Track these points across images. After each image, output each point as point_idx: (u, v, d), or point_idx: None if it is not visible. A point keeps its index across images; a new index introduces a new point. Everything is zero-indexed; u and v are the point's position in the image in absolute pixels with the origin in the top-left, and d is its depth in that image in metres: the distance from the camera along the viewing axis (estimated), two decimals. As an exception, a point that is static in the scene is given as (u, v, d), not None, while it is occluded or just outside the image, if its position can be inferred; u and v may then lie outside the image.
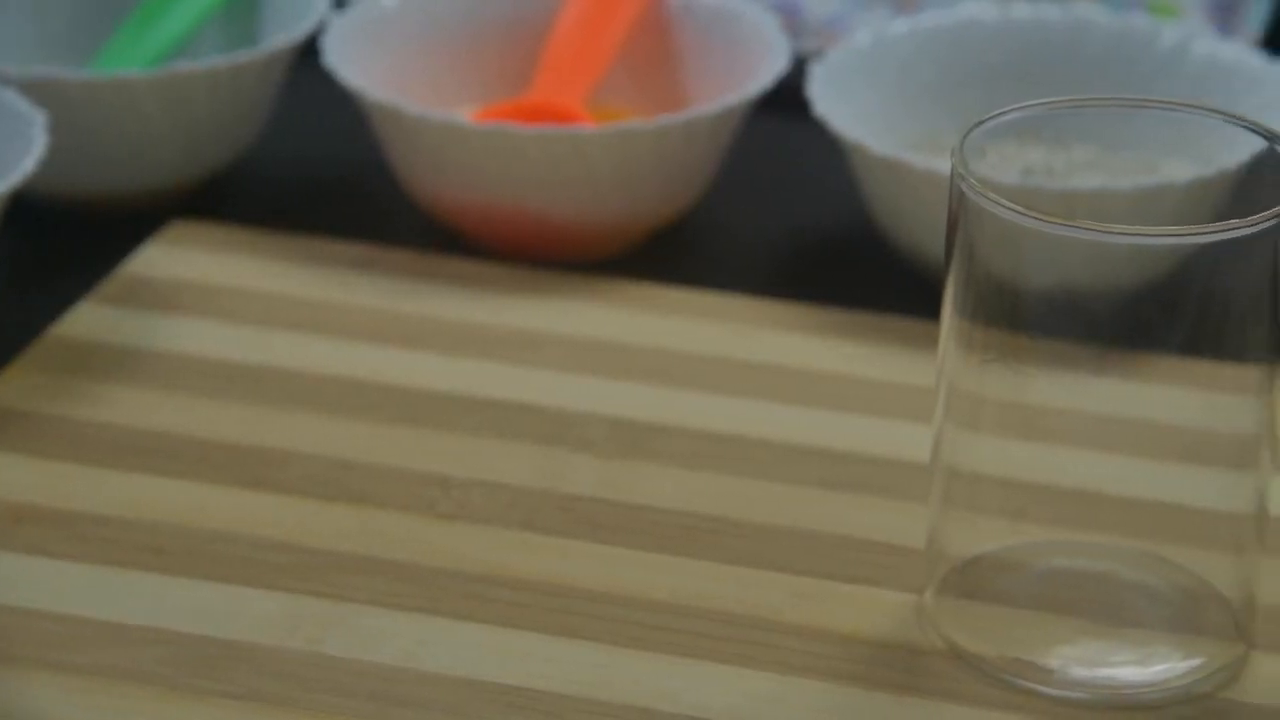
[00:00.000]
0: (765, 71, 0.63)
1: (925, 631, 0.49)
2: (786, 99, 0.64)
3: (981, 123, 0.47)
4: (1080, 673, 0.47)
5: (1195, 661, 0.47)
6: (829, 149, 0.63)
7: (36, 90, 0.61)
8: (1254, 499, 0.47)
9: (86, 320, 0.59)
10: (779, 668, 0.48)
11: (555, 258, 0.62)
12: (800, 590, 0.50)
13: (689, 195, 0.63)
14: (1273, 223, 0.45)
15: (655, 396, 0.56)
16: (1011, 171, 0.59)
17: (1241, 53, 0.63)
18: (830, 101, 0.61)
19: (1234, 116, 0.47)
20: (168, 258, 0.62)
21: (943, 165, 0.47)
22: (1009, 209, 0.45)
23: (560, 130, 0.60)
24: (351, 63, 0.63)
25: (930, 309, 0.47)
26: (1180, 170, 0.53)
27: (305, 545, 0.51)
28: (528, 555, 0.51)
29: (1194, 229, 0.46)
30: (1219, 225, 0.45)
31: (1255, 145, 0.47)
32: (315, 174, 0.67)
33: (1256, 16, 0.72)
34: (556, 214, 0.61)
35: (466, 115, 0.64)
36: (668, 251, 0.63)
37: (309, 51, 0.65)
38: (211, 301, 0.60)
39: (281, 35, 0.65)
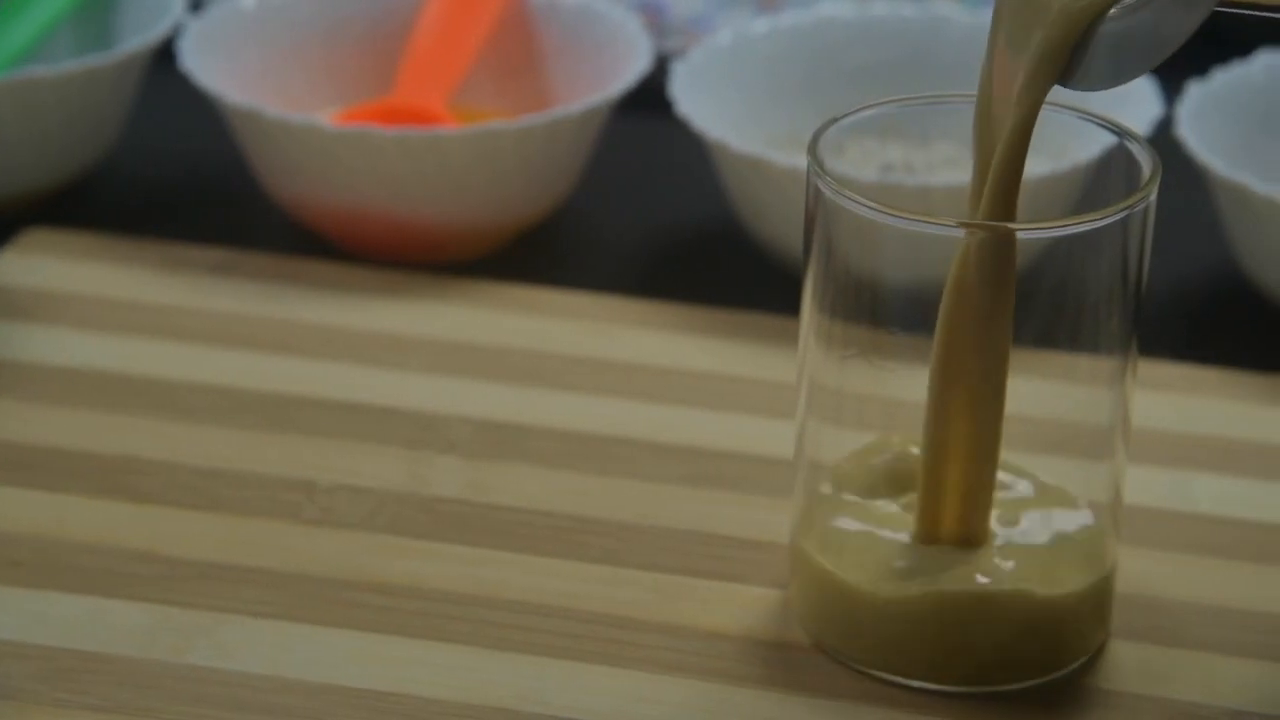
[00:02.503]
0: (628, 71, 0.63)
1: (790, 626, 0.49)
2: (650, 98, 0.64)
3: (836, 120, 0.48)
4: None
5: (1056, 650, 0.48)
6: (693, 148, 0.63)
7: (-114, 97, 0.60)
8: (1109, 488, 0.48)
9: (-59, 330, 0.58)
10: (646, 666, 0.48)
11: (420, 260, 0.62)
12: (665, 588, 0.50)
13: (553, 196, 0.63)
14: (1122, 216, 0.45)
15: (520, 397, 0.56)
16: (871, 168, 0.59)
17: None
18: (693, 100, 0.62)
19: (1086, 113, 0.48)
20: (23, 266, 0.61)
21: (803, 162, 0.47)
22: (864, 205, 0.45)
23: (421, 132, 0.60)
24: (209, 66, 0.62)
25: (795, 305, 0.48)
26: (1034, 166, 0.54)
27: (167, 555, 0.50)
28: (393, 559, 0.51)
29: (1047, 223, 0.46)
30: (1071, 219, 0.46)
31: (1106, 141, 0.47)
32: (174, 179, 0.67)
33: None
34: (420, 216, 0.61)
35: (327, 118, 0.64)
36: (532, 252, 0.63)
37: (165, 55, 0.65)
38: (69, 309, 0.59)
39: (136, 38, 0.64)
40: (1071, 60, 0.43)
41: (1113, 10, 0.43)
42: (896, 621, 0.47)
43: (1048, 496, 0.48)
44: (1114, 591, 0.49)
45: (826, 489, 0.48)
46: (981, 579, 0.46)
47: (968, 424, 0.46)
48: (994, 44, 0.45)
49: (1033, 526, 0.47)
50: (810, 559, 0.48)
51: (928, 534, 0.47)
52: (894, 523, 0.47)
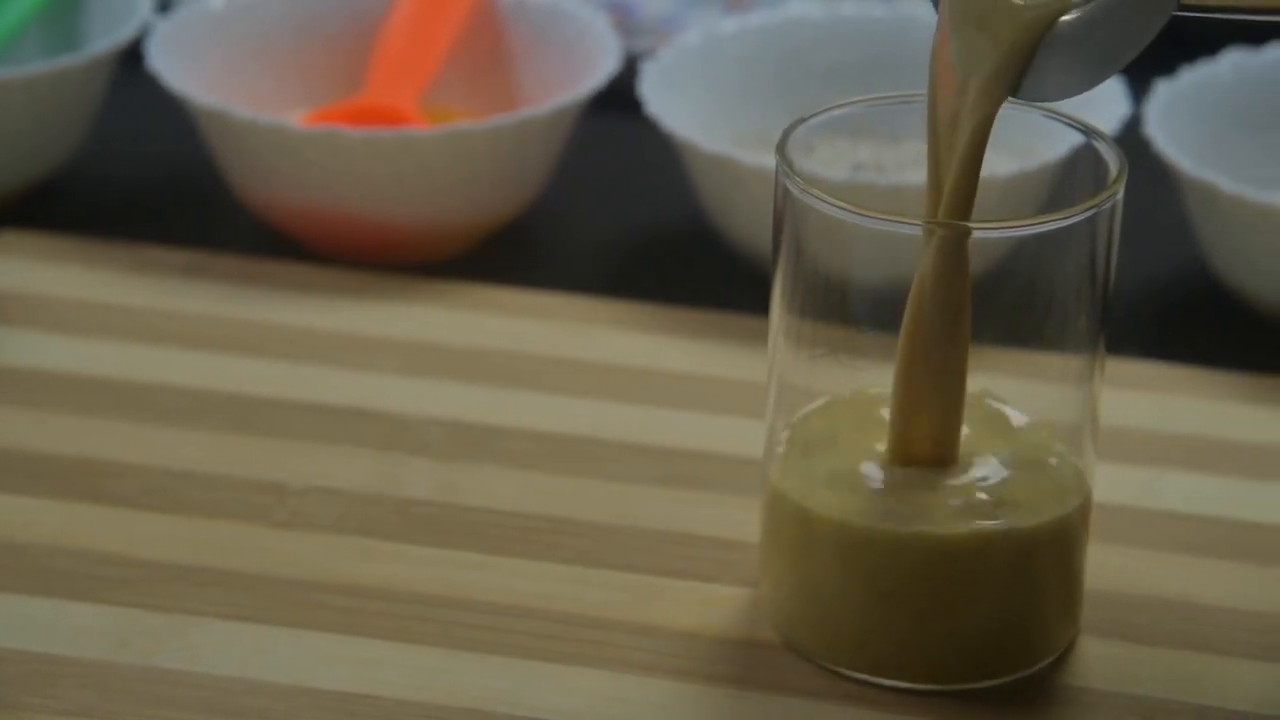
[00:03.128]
0: (597, 71, 0.63)
1: (762, 625, 0.49)
2: (620, 98, 0.64)
3: (805, 120, 0.48)
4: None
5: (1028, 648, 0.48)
6: (663, 148, 0.63)
7: None
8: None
9: (-91, 333, 0.58)
10: (618, 666, 0.48)
11: (390, 260, 0.62)
12: (638, 588, 0.50)
13: (523, 196, 0.63)
14: (1090, 215, 0.46)
15: (492, 398, 0.56)
16: (841, 167, 0.60)
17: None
18: (662, 100, 0.62)
19: (1054, 112, 0.48)
20: (-8, 268, 0.61)
21: (772, 162, 0.47)
22: (832, 204, 0.45)
23: (391, 132, 0.60)
24: (177, 67, 0.62)
25: (766, 304, 0.48)
26: (1002, 165, 0.54)
27: (137, 558, 0.50)
28: (364, 561, 0.51)
29: (1015, 222, 0.46)
30: (1039, 218, 0.46)
31: (1074, 140, 0.48)
32: (143, 180, 0.67)
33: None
34: (390, 217, 0.61)
35: (297, 118, 0.64)
36: (503, 253, 0.63)
37: (133, 55, 0.64)
38: (38, 312, 0.59)
39: (104, 39, 0.64)
40: (1022, 71, 0.43)
41: (1062, 20, 0.43)
42: (873, 562, 0.46)
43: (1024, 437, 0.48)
44: (1084, 588, 0.49)
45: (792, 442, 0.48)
46: (954, 503, 0.46)
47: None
48: (937, 57, 0.45)
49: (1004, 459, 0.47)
50: (784, 500, 0.47)
51: (900, 458, 0.46)
52: (867, 454, 0.47)
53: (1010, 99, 0.44)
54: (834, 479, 0.47)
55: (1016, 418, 0.48)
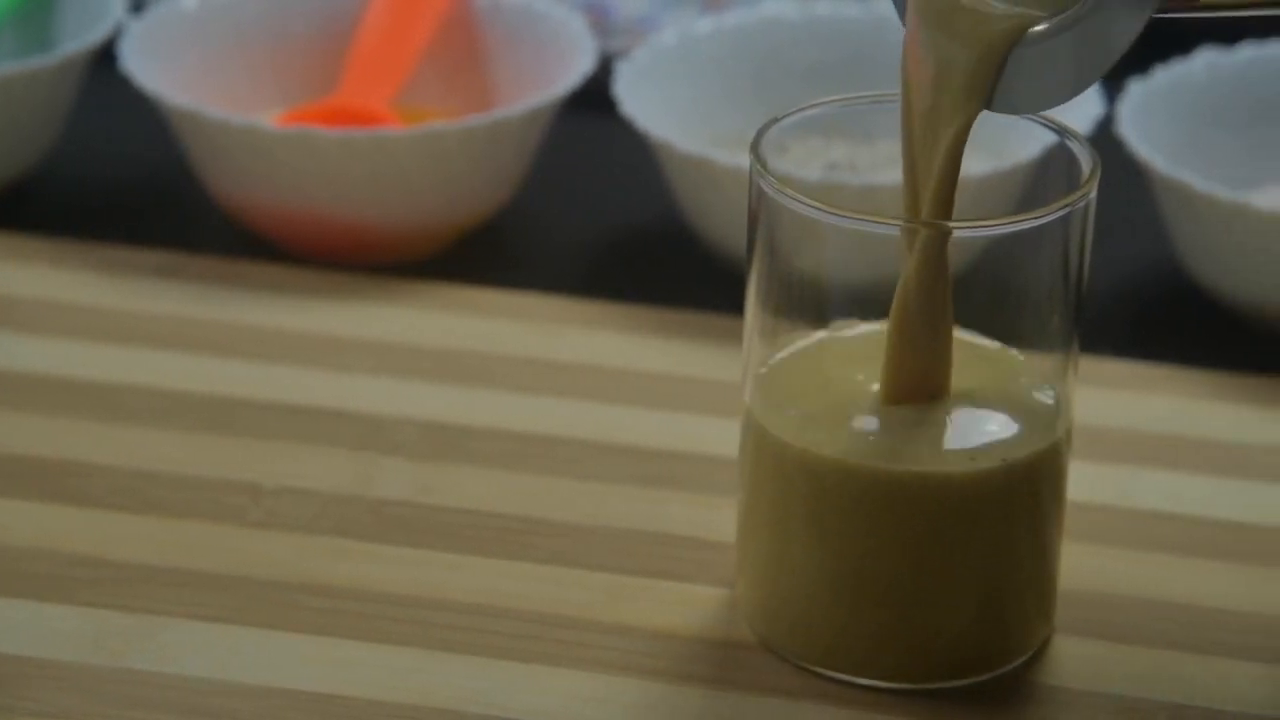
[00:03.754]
0: (572, 71, 0.63)
1: (738, 625, 0.49)
2: (595, 98, 0.64)
3: (779, 119, 0.48)
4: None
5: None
6: (638, 148, 0.63)
7: None
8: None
9: (-120, 335, 0.58)
10: (594, 666, 0.48)
11: (365, 261, 0.62)
12: (614, 588, 0.50)
13: (499, 196, 0.63)
14: (1063, 214, 0.46)
15: (467, 398, 0.56)
16: (815, 167, 0.60)
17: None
18: (637, 100, 0.62)
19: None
20: (-36, 269, 0.61)
21: (746, 162, 0.47)
22: (805, 204, 0.45)
23: (365, 133, 0.60)
24: (150, 67, 0.62)
25: (742, 304, 0.48)
26: (976, 164, 0.54)
27: (110, 559, 0.50)
28: (339, 561, 0.51)
29: (988, 221, 0.46)
30: (1012, 218, 0.46)
31: (1047, 140, 0.48)
32: (116, 181, 0.66)
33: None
34: (364, 217, 0.61)
35: (270, 119, 0.64)
36: (478, 253, 0.63)
37: (106, 56, 0.64)
38: (11, 313, 0.59)
39: (77, 40, 0.64)
40: (994, 84, 0.43)
41: (1032, 32, 0.43)
42: (860, 500, 0.45)
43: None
44: (1058, 587, 0.49)
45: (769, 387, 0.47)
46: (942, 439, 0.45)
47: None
48: (907, 64, 0.45)
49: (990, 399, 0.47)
50: (766, 435, 0.46)
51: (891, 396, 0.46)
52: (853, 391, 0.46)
53: (986, 110, 0.44)
54: (821, 420, 0.46)
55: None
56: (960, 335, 0.47)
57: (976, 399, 0.46)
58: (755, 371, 0.47)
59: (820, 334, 0.48)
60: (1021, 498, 0.46)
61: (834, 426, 0.46)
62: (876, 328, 0.47)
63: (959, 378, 0.46)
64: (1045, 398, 0.47)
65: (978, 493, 0.46)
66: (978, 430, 0.46)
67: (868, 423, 0.46)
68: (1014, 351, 0.48)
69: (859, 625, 0.47)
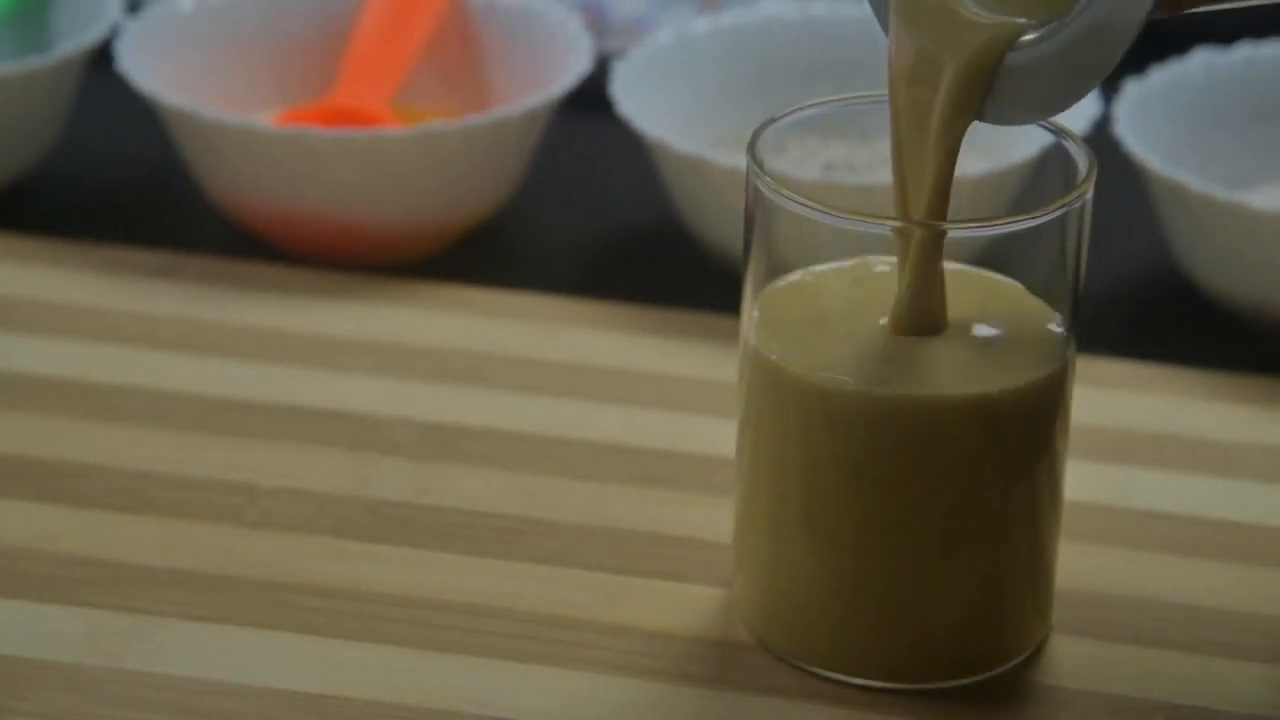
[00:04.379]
0: (569, 71, 0.63)
1: (735, 625, 0.49)
2: (592, 98, 0.64)
3: (776, 120, 0.48)
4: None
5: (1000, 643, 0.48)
6: (634, 148, 0.63)
7: None
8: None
9: (-123, 335, 0.58)
10: (591, 667, 0.48)
11: (362, 261, 0.62)
12: (611, 588, 0.50)
13: (495, 196, 0.63)
14: (1059, 214, 0.46)
15: (465, 398, 0.56)
16: (813, 167, 0.60)
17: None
18: (634, 100, 0.62)
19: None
20: (-38, 269, 0.61)
21: (743, 162, 0.47)
22: (802, 204, 0.45)
23: (362, 133, 0.60)
24: (147, 67, 0.62)
25: (737, 304, 0.48)
26: (972, 164, 0.54)
27: (106, 559, 0.50)
28: (336, 562, 0.51)
29: (985, 221, 0.46)
30: (1009, 218, 0.46)
31: (1044, 140, 0.48)
32: (114, 181, 0.66)
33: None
34: (361, 217, 0.61)
35: (267, 119, 0.64)
36: (475, 253, 0.63)
37: (103, 56, 0.64)
38: (9, 313, 0.59)
39: (73, 40, 0.64)
40: (984, 94, 0.43)
41: (1020, 41, 0.43)
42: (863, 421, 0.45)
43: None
44: (1054, 586, 0.49)
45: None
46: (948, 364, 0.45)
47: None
48: (892, 68, 0.45)
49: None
50: (768, 365, 0.45)
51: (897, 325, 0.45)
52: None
53: (978, 120, 0.44)
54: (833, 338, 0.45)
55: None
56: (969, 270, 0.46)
57: (981, 325, 0.46)
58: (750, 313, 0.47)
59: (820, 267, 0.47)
60: (1028, 422, 0.45)
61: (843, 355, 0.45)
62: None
63: (965, 310, 0.46)
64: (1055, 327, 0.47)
65: (978, 417, 0.45)
66: (981, 358, 0.46)
67: (874, 350, 0.45)
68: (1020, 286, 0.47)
69: (856, 624, 0.47)
